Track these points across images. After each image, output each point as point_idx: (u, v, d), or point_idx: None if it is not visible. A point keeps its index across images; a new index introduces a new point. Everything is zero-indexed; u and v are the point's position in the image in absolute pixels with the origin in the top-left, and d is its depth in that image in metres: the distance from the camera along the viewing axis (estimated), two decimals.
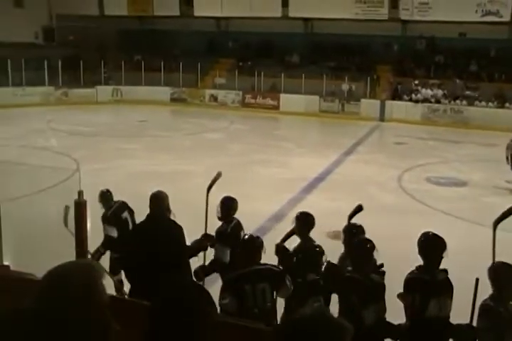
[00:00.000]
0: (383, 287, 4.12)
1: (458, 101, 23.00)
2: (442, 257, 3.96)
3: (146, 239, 4.69)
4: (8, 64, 23.53)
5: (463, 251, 6.80)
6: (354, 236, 4.97)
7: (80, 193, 5.55)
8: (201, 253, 5.33)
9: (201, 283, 4.90)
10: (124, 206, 6.54)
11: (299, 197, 11.06)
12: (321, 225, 8.98)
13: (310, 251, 4.60)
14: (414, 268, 4.07)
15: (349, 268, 4.22)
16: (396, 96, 23.83)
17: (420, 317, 3.90)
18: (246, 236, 4.61)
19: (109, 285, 4.52)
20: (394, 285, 4.14)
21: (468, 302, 3.72)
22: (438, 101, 23.10)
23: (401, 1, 24.62)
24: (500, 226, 4.21)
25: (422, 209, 10.57)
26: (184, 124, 21.65)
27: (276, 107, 24.83)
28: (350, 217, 5.55)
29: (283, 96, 24.74)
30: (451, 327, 3.89)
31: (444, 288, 3.99)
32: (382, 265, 4.50)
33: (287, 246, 5.14)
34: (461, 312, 3.85)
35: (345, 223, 8.87)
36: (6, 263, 6.82)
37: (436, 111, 22.80)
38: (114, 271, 6.04)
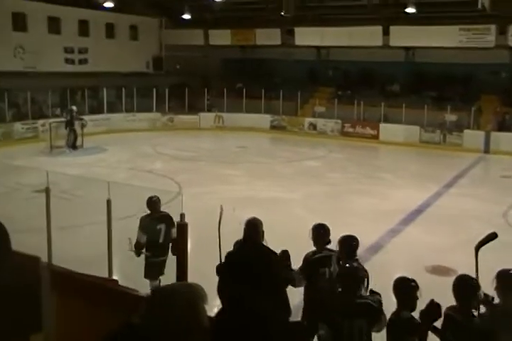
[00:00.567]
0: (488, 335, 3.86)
1: None
2: None
3: (240, 264, 4.80)
4: (123, 92, 25.18)
5: None
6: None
7: (182, 216, 5.82)
8: None
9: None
10: (163, 218, 6.98)
11: (396, 228, 10.86)
12: (419, 259, 8.84)
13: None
14: None
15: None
16: (503, 127, 22.91)
17: None
18: (347, 266, 4.58)
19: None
20: None
21: None
22: None
23: (510, 28, 23.79)
24: None
25: None
26: (283, 152, 21.93)
27: (376, 137, 24.59)
28: (480, 246, 4.79)
29: (383, 126, 24.49)
30: None
31: None
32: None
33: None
34: None
35: (443, 257, 8.63)
36: (114, 277, 7.24)
37: None
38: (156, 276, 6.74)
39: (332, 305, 4.21)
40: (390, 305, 4.24)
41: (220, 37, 29.22)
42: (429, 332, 3.86)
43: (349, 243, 5.23)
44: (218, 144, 23.62)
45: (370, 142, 23.84)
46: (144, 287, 5.14)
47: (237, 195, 13.22)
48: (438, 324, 3.94)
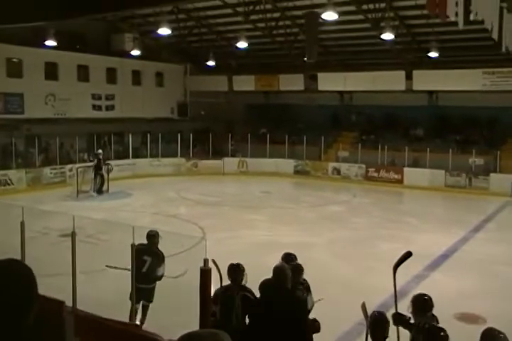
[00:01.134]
0: None
1: None
2: None
3: (270, 311, 4.79)
4: (148, 137, 25.67)
5: None
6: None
7: (206, 261, 5.83)
8: None
9: None
10: (153, 253, 7.55)
11: (423, 274, 10.67)
12: (446, 306, 8.64)
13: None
14: None
15: None
16: None
17: None
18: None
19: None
20: None
21: None
22: None
23: None
24: None
25: None
26: (307, 196, 21.90)
27: (400, 181, 24.48)
28: (397, 265, 5.31)
29: (407, 170, 24.41)
30: None
31: None
32: None
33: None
34: None
35: (472, 304, 8.45)
36: (137, 322, 7.21)
37: None
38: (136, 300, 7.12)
39: None
40: None
41: (244, 83, 29.79)
42: None
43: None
44: (242, 189, 23.72)
45: (394, 186, 23.74)
46: (167, 332, 5.12)
47: (261, 240, 13.18)
48: None
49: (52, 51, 22.38)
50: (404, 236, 14.05)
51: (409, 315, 4.48)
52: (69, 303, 5.41)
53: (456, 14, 10.86)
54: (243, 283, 5.82)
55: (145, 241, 7.80)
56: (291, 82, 28.75)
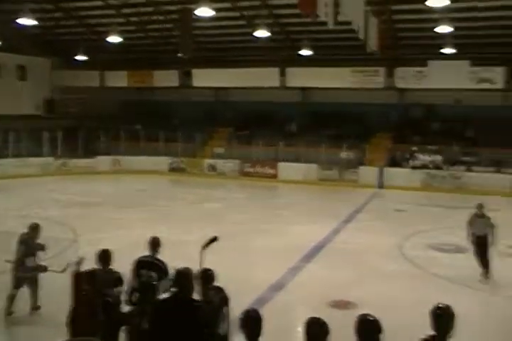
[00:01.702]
0: None
1: (456, 167, 23.17)
2: None
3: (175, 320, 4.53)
4: (9, 136, 23.92)
5: (470, 318, 6.54)
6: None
7: (77, 263, 5.53)
8: None
9: None
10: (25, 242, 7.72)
11: (298, 266, 10.81)
12: (321, 295, 8.80)
13: None
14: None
15: None
16: (395, 163, 23.98)
17: None
18: None
19: None
20: None
21: None
22: (437, 168, 23.25)
23: (396, 70, 25.27)
24: None
25: (424, 276, 10.33)
26: (183, 194, 21.61)
27: (275, 176, 24.91)
28: (205, 246, 5.51)
29: (281, 165, 24.88)
30: None
31: None
32: None
33: None
34: None
35: (345, 291, 8.67)
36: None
37: (435, 177, 22.90)
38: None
39: None
40: None
41: (117, 78, 28.93)
42: None
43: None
44: (116, 188, 22.91)
45: (269, 181, 24.13)
46: None
47: (136, 240, 12.70)
48: None
49: None
50: (280, 230, 14.24)
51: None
52: None
53: (326, 15, 11.17)
54: None
55: None
56: (166, 78, 28.35)
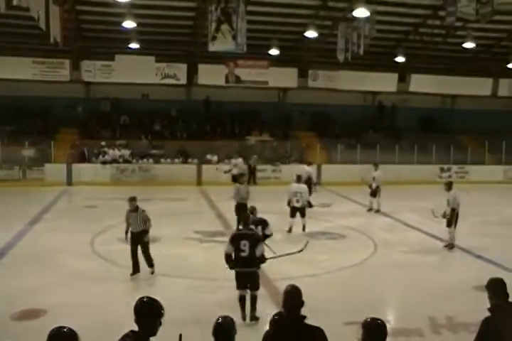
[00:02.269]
0: None
1: (145, 160, 23.61)
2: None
3: None
4: None
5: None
6: None
7: None
8: None
9: None
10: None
11: None
12: (4, 307, 7.74)
13: None
14: None
15: None
16: (84, 159, 23.25)
17: None
18: None
19: None
20: None
21: None
22: (126, 161, 23.33)
23: (83, 63, 24.54)
24: None
25: (124, 272, 9.86)
26: None
27: None
28: None
29: None
30: None
31: None
32: None
33: None
34: None
35: (34, 299, 7.81)
36: None
37: (124, 171, 22.98)
38: None
39: None
40: None
41: None
42: None
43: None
44: None
45: None
46: None
47: None
48: None
49: None
50: None
51: None
52: None
53: None
54: None
55: None
56: None
